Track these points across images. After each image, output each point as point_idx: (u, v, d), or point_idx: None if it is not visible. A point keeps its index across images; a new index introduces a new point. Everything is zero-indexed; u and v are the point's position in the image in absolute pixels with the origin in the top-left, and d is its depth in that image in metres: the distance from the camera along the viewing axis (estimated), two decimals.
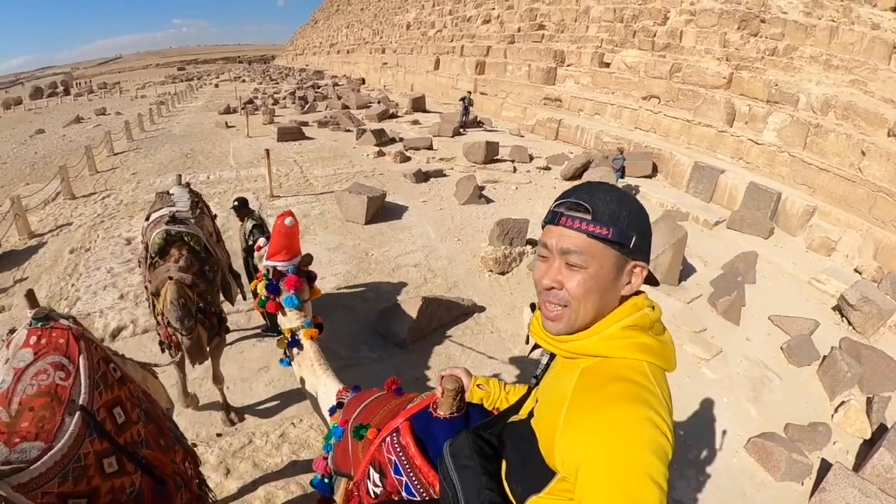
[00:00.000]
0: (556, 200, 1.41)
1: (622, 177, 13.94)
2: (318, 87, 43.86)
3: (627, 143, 17.79)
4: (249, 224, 6.87)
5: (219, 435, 5.33)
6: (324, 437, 3.00)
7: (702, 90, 17.17)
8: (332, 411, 2.95)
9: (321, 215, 11.77)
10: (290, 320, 3.37)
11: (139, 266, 5.69)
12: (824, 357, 7.36)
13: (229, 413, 5.48)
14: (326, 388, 3.17)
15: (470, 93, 22.61)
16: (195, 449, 3.57)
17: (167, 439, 2.77)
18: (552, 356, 1.61)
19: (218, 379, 5.33)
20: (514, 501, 1.54)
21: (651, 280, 1.45)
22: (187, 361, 4.68)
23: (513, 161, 17.33)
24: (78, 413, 2.17)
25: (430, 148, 18.52)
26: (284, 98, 36.60)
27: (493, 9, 34.56)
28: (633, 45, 21.86)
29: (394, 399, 2.52)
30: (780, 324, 8.26)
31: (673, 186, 15.40)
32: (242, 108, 30.04)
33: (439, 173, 15.40)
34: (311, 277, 3.54)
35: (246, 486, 4.71)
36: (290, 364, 3.49)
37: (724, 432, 6.06)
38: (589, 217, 1.31)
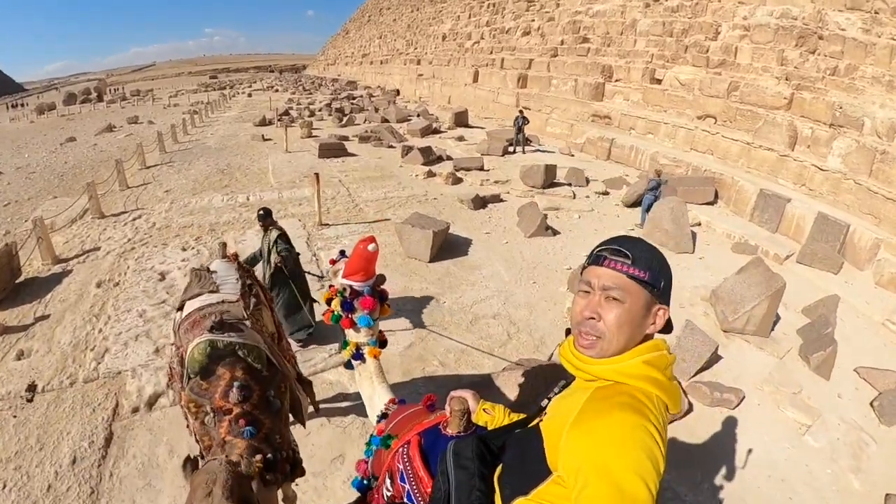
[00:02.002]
0: (598, 247, 1.61)
1: (655, 199, 12.49)
2: (354, 99, 42.96)
3: (685, 165, 16.84)
4: (274, 234, 6.84)
5: None
6: (366, 444, 3.07)
7: (761, 111, 16.08)
8: (379, 420, 3.05)
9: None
10: (358, 336, 3.47)
11: (170, 374, 3.99)
12: None
13: None
14: (379, 398, 3.32)
15: (522, 110, 21.22)
16: None
17: None
18: (564, 385, 1.79)
19: (290, 499, 3.97)
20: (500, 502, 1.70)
21: (667, 327, 1.60)
22: None
23: (570, 185, 16.11)
24: None
25: (481, 169, 17.20)
26: (321, 110, 35.57)
27: (533, 20, 33.49)
28: (686, 60, 20.77)
29: (426, 415, 2.64)
30: (867, 377, 7.49)
31: (736, 214, 14.23)
32: (279, 120, 29.16)
33: (496, 198, 14.13)
34: (384, 297, 3.61)
35: None
36: (352, 368, 3.58)
37: None
38: (629, 261, 1.52)
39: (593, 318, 1.54)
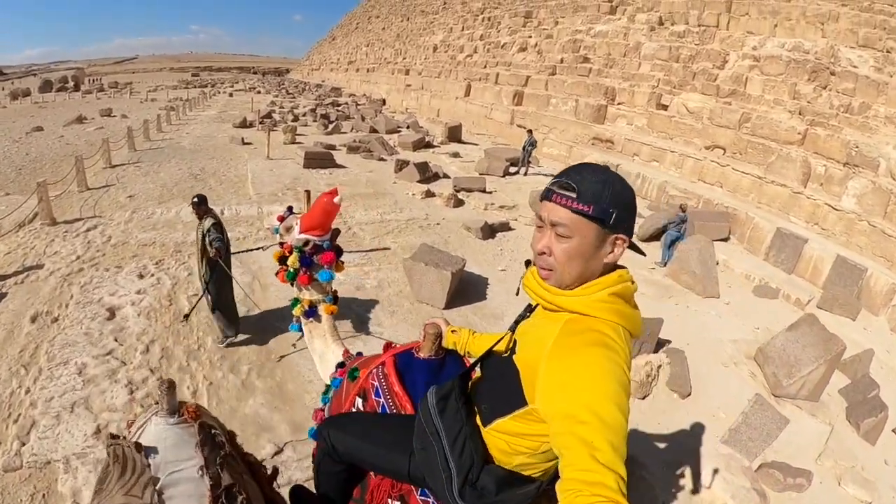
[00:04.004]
0: (552, 179, 1.58)
1: (679, 236, 11.82)
2: (339, 106, 41.48)
3: (696, 198, 16.02)
4: (208, 222, 6.57)
5: None
6: (321, 394, 3.18)
7: (773, 145, 15.67)
8: (336, 368, 3.10)
9: (380, 289, 8.79)
10: (311, 293, 3.42)
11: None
12: None
13: None
14: (335, 354, 3.31)
15: (531, 132, 19.78)
16: None
17: None
18: (528, 310, 1.83)
19: None
20: (479, 419, 1.83)
21: (635, 249, 1.62)
22: None
23: None
24: None
25: (483, 191, 15.71)
26: (305, 115, 33.94)
27: (530, 37, 32.67)
28: (695, 88, 20.12)
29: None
30: None
31: (750, 253, 13.66)
32: (260, 123, 27.51)
33: (505, 226, 12.74)
34: (339, 252, 3.50)
35: None
36: (299, 329, 3.58)
37: None
38: (574, 196, 1.47)
39: (544, 253, 1.56)
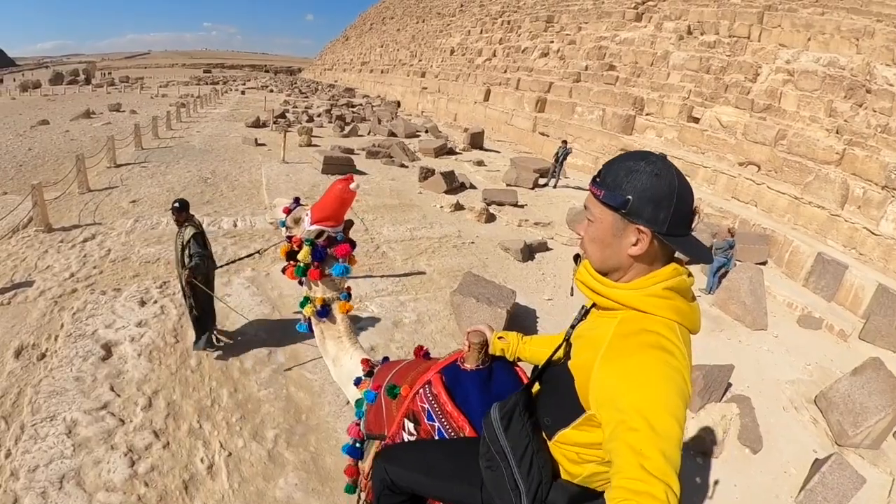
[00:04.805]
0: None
1: (725, 266, 11.19)
2: (354, 107, 40.38)
3: (732, 217, 15.31)
4: (188, 232, 6.03)
5: None
6: (355, 405, 2.97)
7: (811, 164, 14.97)
8: (357, 382, 2.97)
9: (421, 325, 7.61)
10: (324, 289, 3.15)
11: None
12: None
13: None
14: (352, 359, 3.13)
15: (566, 142, 18.61)
16: None
17: None
18: (584, 312, 1.77)
19: None
20: (544, 432, 1.77)
21: (676, 245, 1.50)
22: None
23: None
24: None
25: (516, 205, 14.55)
26: (320, 115, 32.81)
27: (552, 42, 31.54)
28: (728, 101, 19.11)
29: (423, 363, 2.61)
30: None
31: (789, 277, 13.09)
32: (274, 123, 26.43)
33: (543, 247, 11.64)
34: (353, 245, 3.24)
35: None
36: (307, 329, 3.31)
37: None
38: (599, 181, 1.51)
39: (580, 236, 1.62)
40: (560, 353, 1.78)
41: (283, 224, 3.34)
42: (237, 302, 7.57)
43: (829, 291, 12.11)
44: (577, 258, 1.72)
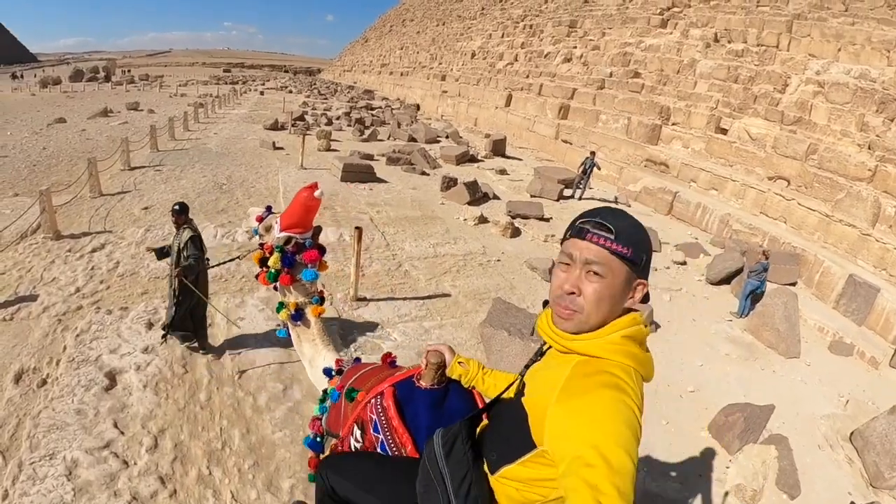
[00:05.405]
0: (580, 218, 1.56)
1: (758, 289, 10.66)
2: (373, 109, 40.08)
3: (762, 234, 14.87)
4: (186, 234, 6.07)
5: None
6: (318, 400, 3.01)
7: (842, 180, 14.44)
8: (328, 373, 3.04)
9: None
10: (296, 294, 3.32)
11: None
12: None
13: None
14: (325, 360, 3.21)
15: (594, 153, 18.07)
16: None
17: None
18: (539, 353, 1.80)
19: None
20: (487, 466, 1.78)
21: (644, 298, 1.57)
22: None
23: None
24: None
25: (541, 218, 14.01)
26: (338, 118, 32.40)
27: (575, 47, 30.91)
28: (757, 112, 18.47)
29: (387, 370, 2.68)
30: None
31: (818, 299, 12.59)
32: (293, 126, 26.04)
33: None
34: (323, 251, 3.42)
35: None
36: (286, 335, 3.49)
37: None
38: (612, 236, 1.47)
39: (574, 293, 1.52)
40: (512, 389, 1.80)
41: (256, 232, 3.58)
42: (251, 326, 7.08)
43: (859, 315, 11.68)
44: (545, 303, 1.68)
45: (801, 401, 7.92)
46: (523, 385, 1.73)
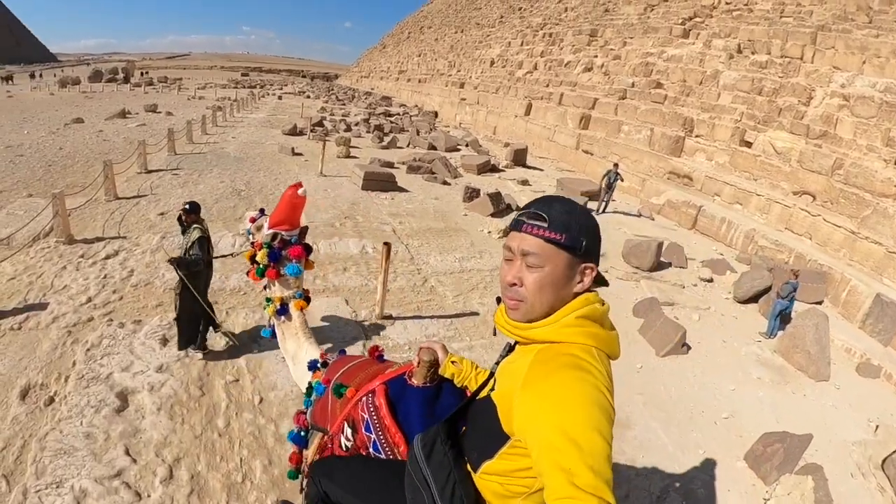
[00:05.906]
0: (519, 210, 1.62)
1: (787, 309, 10.35)
2: (391, 116, 39.87)
3: (788, 251, 14.36)
4: (195, 234, 6.01)
5: None
6: (304, 394, 2.97)
7: (868, 196, 13.93)
8: (312, 366, 3.03)
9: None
10: (281, 289, 3.43)
11: None
12: None
13: None
14: (308, 354, 3.23)
15: (617, 164, 17.64)
16: None
17: None
18: (510, 348, 1.79)
19: None
20: (469, 466, 1.76)
21: (601, 281, 1.63)
22: None
23: (670, 264, 12.86)
24: None
25: None
26: (357, 124, 32.16)
27: (596, 56, 30.52)
28: (782, 125, 17.94)
29: (375, 365, 2.66)
30: None
31: (844, 318, 12.07)
32: (311, 132, 25.74)
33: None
34: (309, 249, 3.59)
35: None
36: (271, 335, 3.62)
37: None
38: (546, 224, 1.50)
39: (516, 284, 1.55)
40: (486, 388, 1.80)
41: (249, 232, 3.77)
42: (272, 345, 6.70)
43: (886, 335, 11.27)
44: (499, 300, 1.70)
45: (832, 426, 7.64)
46: (495, 382, 1.75)
